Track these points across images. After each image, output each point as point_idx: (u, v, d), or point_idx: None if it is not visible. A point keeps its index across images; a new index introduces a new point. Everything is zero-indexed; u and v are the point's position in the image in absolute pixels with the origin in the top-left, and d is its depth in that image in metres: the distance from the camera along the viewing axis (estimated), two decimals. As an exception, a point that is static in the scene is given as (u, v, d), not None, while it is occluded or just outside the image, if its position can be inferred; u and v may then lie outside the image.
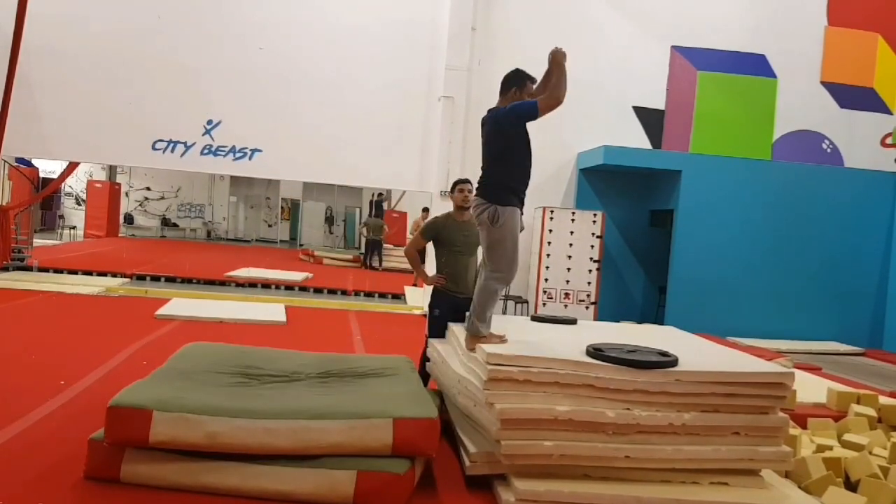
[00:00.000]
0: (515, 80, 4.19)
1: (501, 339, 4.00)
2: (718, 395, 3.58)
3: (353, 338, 8.18)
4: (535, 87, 4.19)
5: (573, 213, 10.44)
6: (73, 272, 12.09)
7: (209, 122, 10.60)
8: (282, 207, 28.02)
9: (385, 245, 17.93)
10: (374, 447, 3.43)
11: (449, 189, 5.71)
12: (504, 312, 10.16)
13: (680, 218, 10.37)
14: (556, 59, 3.97)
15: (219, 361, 4.47)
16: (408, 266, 7.58)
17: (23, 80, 10.07)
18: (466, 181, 5.17)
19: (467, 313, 4.24)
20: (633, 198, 11.31)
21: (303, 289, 12.70)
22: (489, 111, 4.27)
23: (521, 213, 4.15)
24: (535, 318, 5.33)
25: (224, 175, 24.62)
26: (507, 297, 10.28)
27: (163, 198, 26.67)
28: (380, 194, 20.39)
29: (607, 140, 10.62)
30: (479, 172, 4.24)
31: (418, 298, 11.35)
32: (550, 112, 3.93)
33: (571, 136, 11.02)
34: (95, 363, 5.84)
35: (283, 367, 4.54)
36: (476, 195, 4.25)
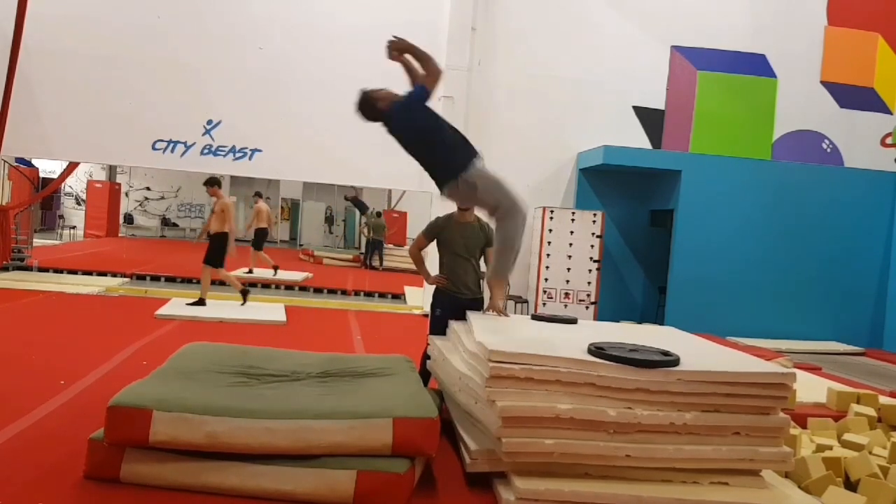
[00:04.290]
0: (368, 102, 4.18)
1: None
2: (719, 395, 3.57)
3: (353, 338, 8.17)
4: (386, 89, 4.21)
5: (573, 213, 10.43)
6: (73, 272, 12.10)
7: (209, 122, 10.59)
8: (282, 207, 28.02)
9: (385, 245, 17.99)
10: (374, 447, 3.42)
11: None
12: (504, 312, 10.13)
13: (680, 218, 10.37)
14: (401, 48, 4.08)
15: (219, 361, 4.47)
16: (408, 266, 7.60)
17: (23, 80, 10.07)
18: None
19: (486, 277, 4.32)
20: (633, 198, 11.30)
21: (303, 289, 12.72)
22: (384, 124, 4.19)
23: (480, 157, 4.12)
24: (536, 318, 5.29)
25: (224, 175, 24.60)
26: (506, 297, 10.27)
27: (163, 198, 26.68)
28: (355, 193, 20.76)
29: (607, 140, 10.61)
30: None
31: (418, 298, 11.36)
32: (438, 84, 4.06)
33: (571, 136, 11.00)
34: (95, 363, 5.84)
35: (284, 367, 4.54)
36: (441, 188, 4.20)
